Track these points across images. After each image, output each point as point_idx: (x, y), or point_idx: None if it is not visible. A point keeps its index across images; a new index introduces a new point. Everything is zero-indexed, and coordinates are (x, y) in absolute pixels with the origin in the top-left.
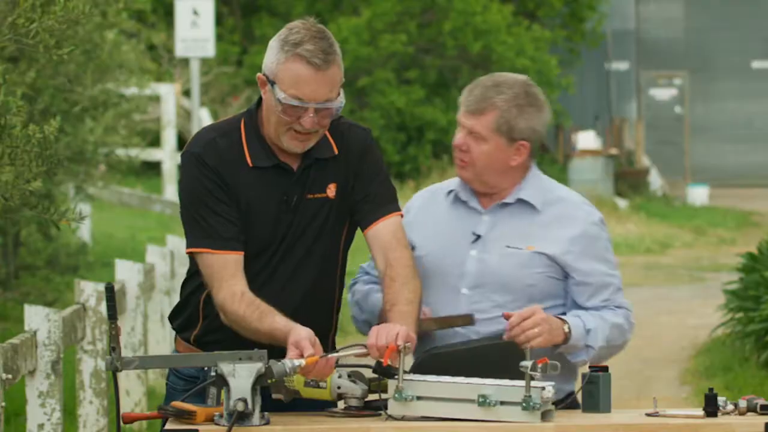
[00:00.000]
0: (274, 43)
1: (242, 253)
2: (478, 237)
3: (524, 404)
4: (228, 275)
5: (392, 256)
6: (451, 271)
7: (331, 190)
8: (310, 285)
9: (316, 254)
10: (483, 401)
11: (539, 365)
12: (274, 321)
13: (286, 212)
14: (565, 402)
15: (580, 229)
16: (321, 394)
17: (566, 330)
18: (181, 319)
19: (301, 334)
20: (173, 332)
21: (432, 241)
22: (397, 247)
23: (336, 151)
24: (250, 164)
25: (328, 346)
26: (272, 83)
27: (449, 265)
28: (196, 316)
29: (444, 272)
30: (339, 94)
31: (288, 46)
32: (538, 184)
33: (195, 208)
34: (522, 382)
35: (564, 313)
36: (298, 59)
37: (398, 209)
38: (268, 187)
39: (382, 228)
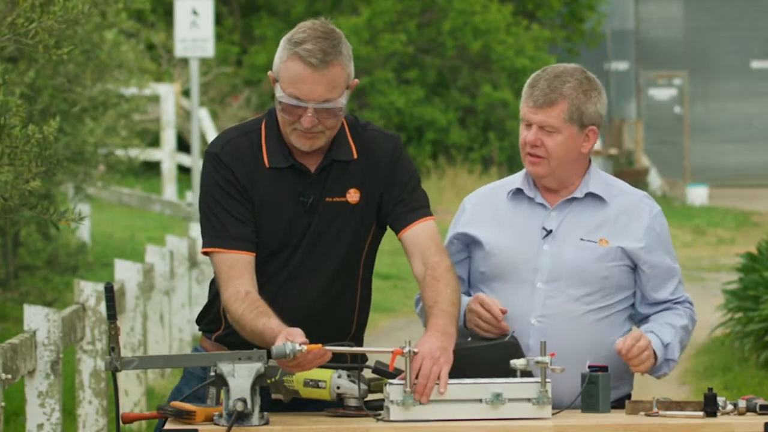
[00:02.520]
0: (283, 42)
1: (253, 254)
2: (550, 232)
3: (537, 399)
4: (236, 275)
5: (433, 259)
6: (525, 267)
7: (352, 196)
8: (329, 287)
9: (336, 257)
10: (495, 399)
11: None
12: (268, 321)
13: (303, 213)
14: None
15: (647, 222)
16: (320, 394)
17: (654, 350)
18: (205, 321)
19: (295, 330)
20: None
21: (501, 238)
22: (437, 252)
23: (355, 156)
24: (267, 165)
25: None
26: (276, 81)
27: (522, 261)
28: (218, 319)
29: (517, 268)
30: (341, 95)
31: (290, 45)
32: (601, 177)
33: (209, 206)
34: (529, 379)
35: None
36: (296, 58)
37: (431, 214)
38: (284, 188)
39: (419, 231)
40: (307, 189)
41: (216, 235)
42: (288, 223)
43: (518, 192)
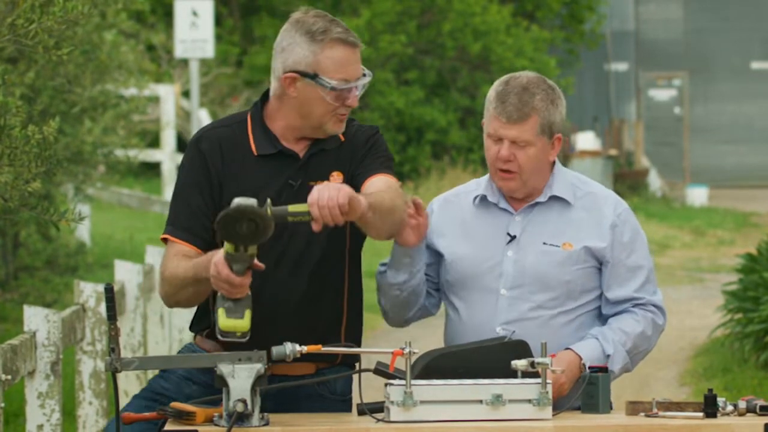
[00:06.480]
0: (299, 38)
1: (197, 249)
2: (513, 237)
3: (538, 400)
4: (171, 255)
5: (383, 192)
6: (489, 273)
7: (335, 178)
8: (315, 271)
9: (322, 240)
10: (495, 400)
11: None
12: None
13: (288, 196)
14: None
15: (611, 220)
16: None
17: (583, 364)
18: (196, 321)
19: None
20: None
21: (465, 245)
22: (391, 190)
23: (342, 139)
24: (255, 153)
25: (340, 336)
26: (313, 76)
27: (486, 267)
28: (206, 314)
29: (481, 274)
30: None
31: (320, 35)
32: (565, 179)
33: (175, 192)
34: (529, 380)
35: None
36: (337, 43)
37: (394, 175)
38: (272, 173)
39: (377, 180)
40: (296, 173)
41: (171, 223)
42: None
43: (483, 198)
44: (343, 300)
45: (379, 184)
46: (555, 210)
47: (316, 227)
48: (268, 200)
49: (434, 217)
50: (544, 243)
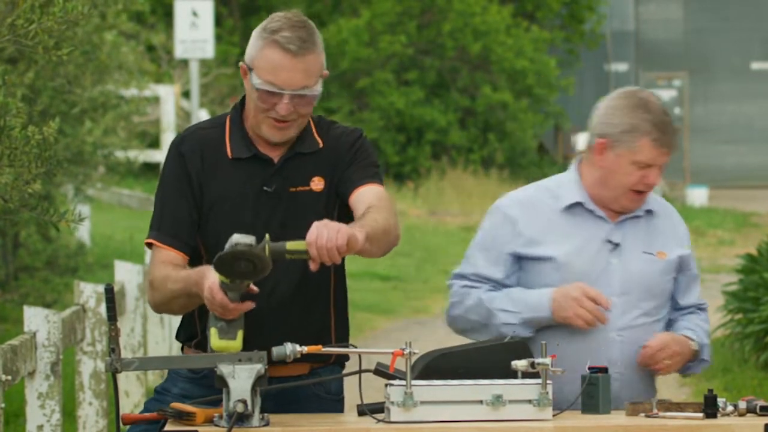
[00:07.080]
0: (255, 32)
1: (183, 255)
2: (617, 245)
3: (538, 401)
4: (158, 262)
5: (375, 212)
6: (598, 280)
7: (316, 184)
8: (301, 278)
9: None
10: (496, 400)
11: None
12: (189, 270)
13: (267, 202)
14: None
15: (683, 227)
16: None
17: (695, 348)
18: (182, 330)
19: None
20: (173, 333)
21: (569, 252)
22: (382, 207)
23: (321, 145)
24: (230, 156)
25: (331, 339)
26: (251, 70)
27: (592, 274)
28: (193, 324)
29: (592, 282)
30: (316, 83)
31: (266, 33)
32: None
33: (157, 197)
34: (529, 381)
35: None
36: (274, 45)
37: (382, 182)
38: (246, 177)
39: (367, 191)
40: (271, 178)
41: (156, 228)
42: (253, 212)
43: (575, 205)
44: (330, 303)
45: (369, 198)
46: (642, 220)
47: (313, 267)
48: (267, 236)
49: (520, 223)
50: (644, 252)
